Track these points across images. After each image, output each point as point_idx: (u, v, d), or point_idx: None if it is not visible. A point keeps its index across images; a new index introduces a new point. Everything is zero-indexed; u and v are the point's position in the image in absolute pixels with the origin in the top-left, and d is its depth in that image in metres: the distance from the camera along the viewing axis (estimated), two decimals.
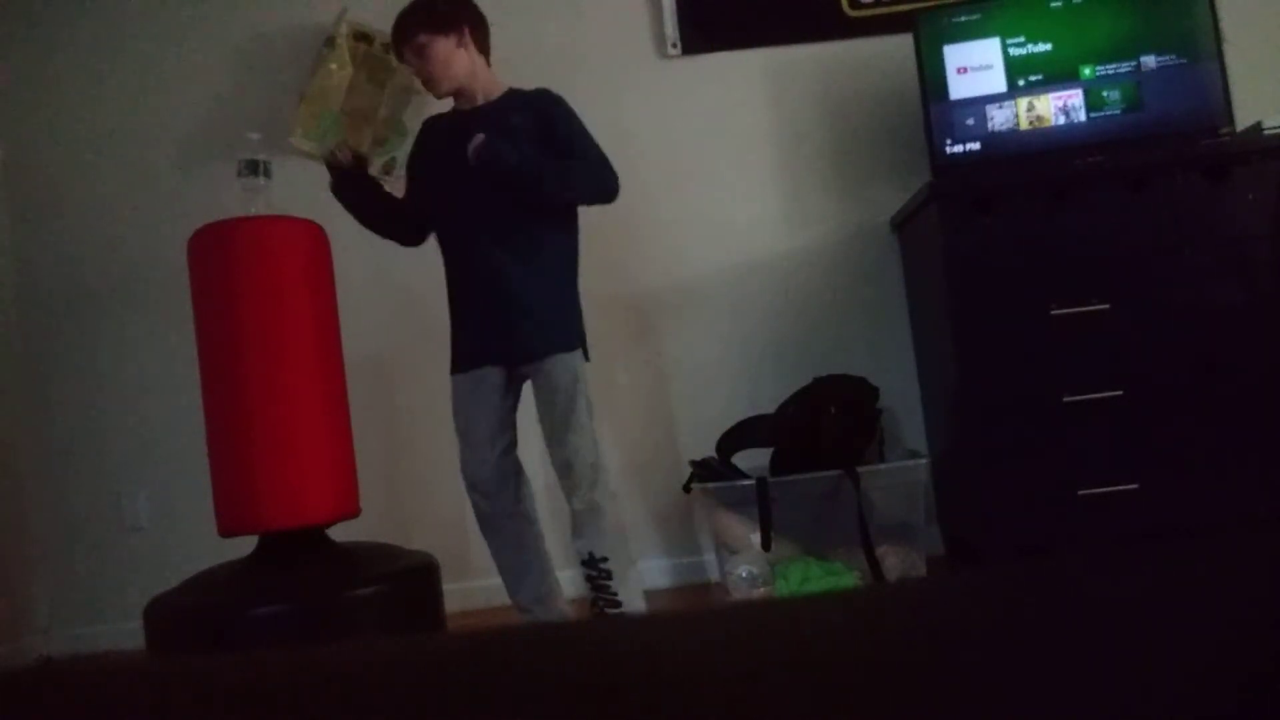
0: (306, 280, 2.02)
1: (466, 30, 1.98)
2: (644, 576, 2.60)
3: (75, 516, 2.72)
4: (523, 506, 2.01)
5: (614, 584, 1.85)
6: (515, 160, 1.84)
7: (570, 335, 1.94)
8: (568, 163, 1.92)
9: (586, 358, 1.97)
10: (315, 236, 2.08)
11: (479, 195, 1.94)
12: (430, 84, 2.00)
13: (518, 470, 2.02)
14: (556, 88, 2.05)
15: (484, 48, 2.04)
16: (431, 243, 2.13)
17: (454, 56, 1.97)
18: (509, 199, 1.91)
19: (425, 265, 2.72)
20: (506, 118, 1.97)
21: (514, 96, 2.02)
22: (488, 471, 1.95)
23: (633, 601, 1.86)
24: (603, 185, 1.94)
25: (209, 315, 1.99)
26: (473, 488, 1.97)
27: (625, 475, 2.61)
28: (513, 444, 2.01)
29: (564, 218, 2.00)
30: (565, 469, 1.91)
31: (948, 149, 2.39)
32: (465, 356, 1.98)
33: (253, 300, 1.95)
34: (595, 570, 1.87)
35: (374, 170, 2.73)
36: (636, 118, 2.71)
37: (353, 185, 2.02)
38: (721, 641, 0.33)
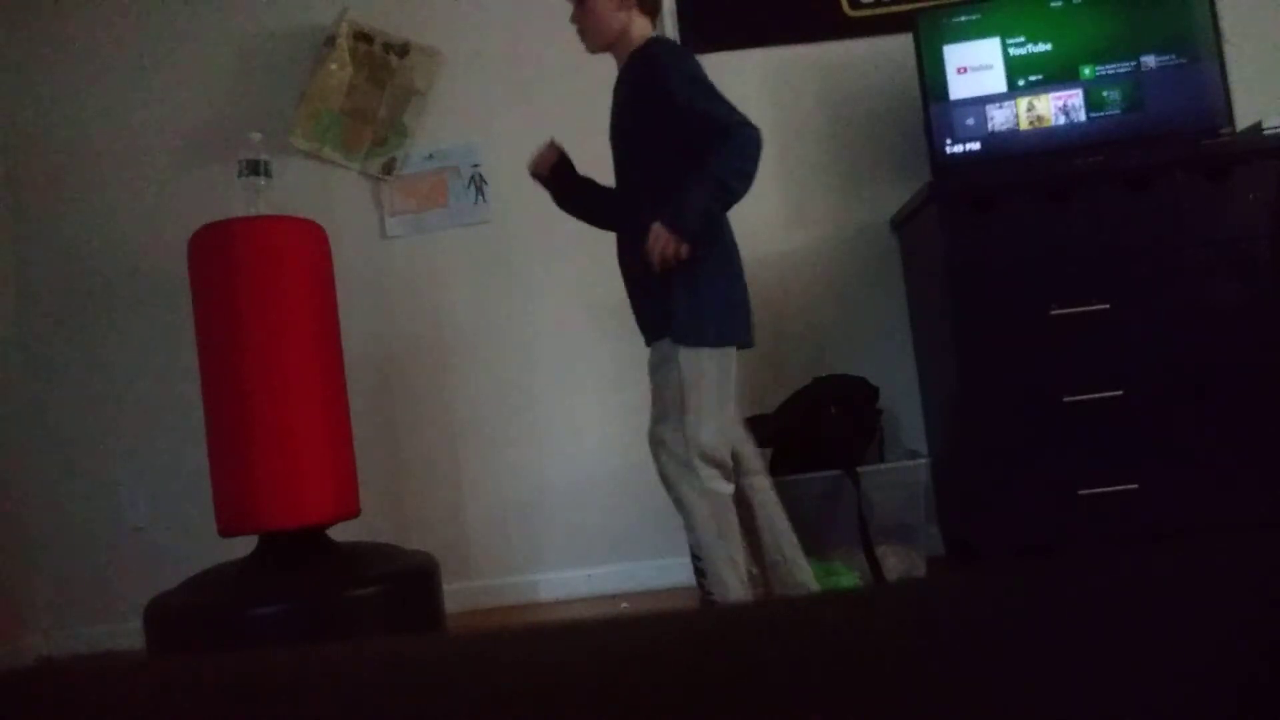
0: (306, 280, 2.02)
1: None
2: (646, 576, 2.62)
3: (75, 516, 2.72)
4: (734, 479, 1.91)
5: (707, 580, 1.84)
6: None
7: (679, 326, 1.80)
8: (718, 161, 1.76)
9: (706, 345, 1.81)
10: (315, 236, 2.08)
11: (620, 167, 1.94)
12: (581, 36, 1.93)
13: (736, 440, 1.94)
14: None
15: (649, 8, 1.90)
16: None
17: (610, 15, 1.86)
18: (635, 179, 1.88)
19: (425, 265, 2.74)
20: (619, 90, 1.93)
21: (630, 60, 1.88)
22: (664, 435, 1.88)
23: (725, 596, 1.84)
24: (749, 155, 1.77)
25: (209, 315, 1.99)
26: (651, 441, 1.92)
27: (626, 474, 2.61)
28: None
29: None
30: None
31: (948, 149, 2.39)
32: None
33: (253, 300, 1.95)
34: (696, 562, 1.87)
35: (374, 170, 2.73)
36: None
37: (573, 191, 1.95)
38: (720, 642, 0.33)
